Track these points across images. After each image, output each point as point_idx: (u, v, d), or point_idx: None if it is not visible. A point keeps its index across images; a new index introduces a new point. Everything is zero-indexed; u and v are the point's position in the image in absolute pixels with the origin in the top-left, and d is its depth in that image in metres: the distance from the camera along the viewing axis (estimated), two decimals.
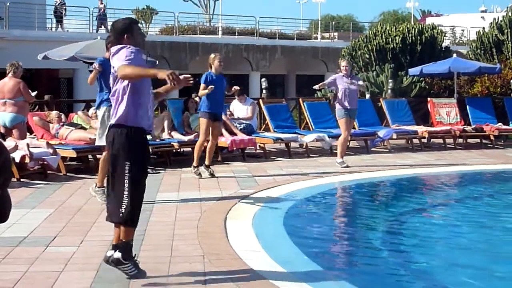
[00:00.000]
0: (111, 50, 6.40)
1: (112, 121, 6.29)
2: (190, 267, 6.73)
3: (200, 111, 12.66)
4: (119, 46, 6.28)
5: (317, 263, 7.06)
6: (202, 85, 12.40)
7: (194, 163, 12.61)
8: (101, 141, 9.86)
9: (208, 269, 6.55)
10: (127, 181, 6.19)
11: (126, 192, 6.19)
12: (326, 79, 15.62)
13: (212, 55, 12.77)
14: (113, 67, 6.23)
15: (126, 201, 6.19)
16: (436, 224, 10.13)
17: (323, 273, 6.76)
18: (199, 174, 12.49)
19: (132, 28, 6.47)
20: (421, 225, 9.92)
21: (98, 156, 13.69)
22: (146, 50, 28.61)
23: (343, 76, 14.32)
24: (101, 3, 37.03)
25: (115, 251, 6.27)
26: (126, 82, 6.18)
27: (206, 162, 12.68)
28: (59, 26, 36.15)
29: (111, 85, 6.38)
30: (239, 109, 16.65)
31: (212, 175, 12.57)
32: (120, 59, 6.12)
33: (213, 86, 12.09)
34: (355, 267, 7.62)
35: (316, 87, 14.58)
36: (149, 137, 14.21)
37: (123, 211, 6.20)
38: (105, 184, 9.79)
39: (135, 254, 6.44)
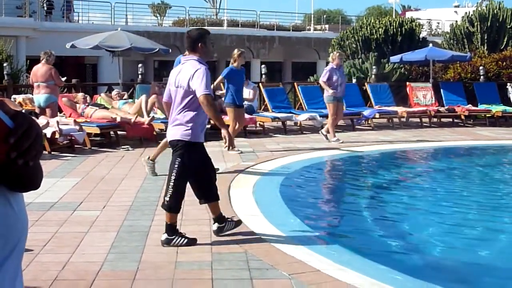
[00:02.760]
0: (191, 57, 6.37)
1: (183, 135, 6.25)
2: (198, 228, 6.77)
3: (225, 102, 12.51)
4: (198, 65, 6.25)
5: (308, 225, 7.08)
6: (221, 78, 12.24)
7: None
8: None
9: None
10: (174, 175, 6.23)
11: (172, 184, 6.24)
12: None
13: (237, 52, 12.41)
14: (192, 85, 6.19)
15: (170, 191, 6.24)
16: (414, 191, 10.15)
17: (313, 234, 6.78)
18: (238, 150, 12.25)
19: (205, 38, 6.44)
20: (401, 193, 9.95)
21: (118, 132, 13.75)
22: (160, 40, 28.49)
23: (335, 68, 14.21)
24: None
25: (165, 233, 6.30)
26: (197, 105, 6.20)
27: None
28: (48, 17, 33.84)
29: (179, 97, 6.30)
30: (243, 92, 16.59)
31: (239, 151, 12.41)
32: (202, 84, 6.12)
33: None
34: (341, 229, 7.66)
35: (330, 91, 14.14)
36: (162, 115, 14.32)
37: (167, 200, 6.25)
38: (156, 160, 10.04)
39: (230, 217, 6.56)
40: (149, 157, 10.18)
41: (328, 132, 14.32)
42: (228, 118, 12.27)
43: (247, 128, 15.59)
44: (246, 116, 15.40)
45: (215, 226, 6.50)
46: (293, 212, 7.68)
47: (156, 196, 8.44)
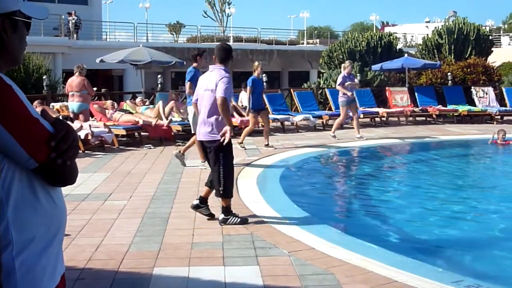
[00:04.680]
0: (218, 66, 6.44)
1: (218, 135, 6.29)
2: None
3: (248, 108, 12.40)
4: (226, 74, 6.36)
5: (305, 211, 7.07)
6: (249, 88, 12.20)
7: (240, 140, 12.40)
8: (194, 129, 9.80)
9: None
10: (222, 169, 6.27)
11: (222, 176, 6.28)
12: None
13: (256, 63, 12.47)
14: (214, 87, 6.27)
15: (222, 182, 6.28)
16: (396, 180, 10.14)
17: (309, 218, 6.76)
18: (243, 147, 12.28)
19: (232, 53, 6.58)
20: (385, 181, 9.95)
21: (142, 133, 13.74)
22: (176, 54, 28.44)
23: (346, 76, 14.19)
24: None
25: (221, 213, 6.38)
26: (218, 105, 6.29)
27: (266, 142, 12.51)
28: (75, 36, 33.21)
29: (209, 100, 6.35)
30: (246, 98, 16.55)
31: (272, 147, 12.39)
32: (225, 89, 6.22)
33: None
34: (333, 212, 7.65)
35: (349, 93, 14.06)
36: (179, 118, 14.31)
37: (222, 189, 6.29)
38: (185, 153, 10.20)
39: (235, 214, 6.47)
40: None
41: (334, 132, 14.25)
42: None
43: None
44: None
45: (221, 216, 6.47)
46: (291, 199, 7.67)
47: (174, 187, 8.44)
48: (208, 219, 6.50)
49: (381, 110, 18.21)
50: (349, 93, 13.93)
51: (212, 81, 6.37)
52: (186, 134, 14.59)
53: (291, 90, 19.09)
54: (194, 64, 10.15)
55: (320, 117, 17.06)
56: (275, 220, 6.50)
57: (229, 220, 6.30)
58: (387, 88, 19.91)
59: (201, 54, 10.11)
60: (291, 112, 17.75)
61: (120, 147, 12.89)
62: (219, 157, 6.30)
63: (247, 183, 8.68)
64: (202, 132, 6.43)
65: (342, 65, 14.89)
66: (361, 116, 17.54)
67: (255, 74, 12.29)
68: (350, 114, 16.73)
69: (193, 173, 9.65)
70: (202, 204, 6.58)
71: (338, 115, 17.39)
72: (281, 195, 7.98)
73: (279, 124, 16.38)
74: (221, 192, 6.35)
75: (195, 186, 8.50)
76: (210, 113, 6.35)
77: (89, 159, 11.30)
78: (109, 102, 14.94)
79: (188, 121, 14.53)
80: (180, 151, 10.29)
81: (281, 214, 6.78)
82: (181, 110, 14.86)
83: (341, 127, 14.90)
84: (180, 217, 6.62)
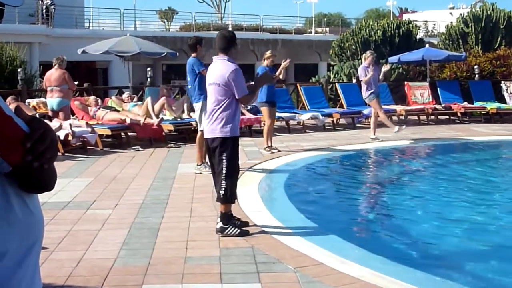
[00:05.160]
0: (222, 57, 6.52)
1: (223, 132, 6.37)
2: (206, 225, 6.78)
3: (259, 101, 12.35)
4: (233, 66, 6.42)
5: (311, 220, 7.08)
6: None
7: (264, 144, 12.33)
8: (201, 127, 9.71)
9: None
10: (225, 170, 6.36)
11: (224, 178, 6.37)
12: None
13: (268, 53, 12.41)
14: (220, 81, 6.37)
15: (224, 185, 6.37)
16: (414, 187, 10.13)
17: (317, 229, 6.77)
18: (275, 150, 12.22)
19: (235, 41, 6.61)
20: (401, 188, 9.93)
21: (129, 133, 13.76)
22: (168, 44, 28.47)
23: (367, 67, 14.19)
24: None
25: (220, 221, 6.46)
26: (231, 100, 6.40)
27: (269, 144, 12.38)
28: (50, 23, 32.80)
29: (215, 94, 6.45)
30: None
31: (276, 149, 12.36)
32: (241, 85, 6.40)
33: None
34: (344, 223, 7.64)
35: (366, 79, 14.08)
36: (171, 117, 14.35)
37: (222, 193, 6.38)
38: (205, 160, 9.70)
39: (237, 218, 6.56)
40: (197, 164, 10.08)
41: (374, 133, 14.24)
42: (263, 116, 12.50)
43: (252, 128, 15.59)
44: (251, 116, 15.42)
45: (219, 225, 6.49)
46: (297, 208, 7.68)
47: (166, 194, 8.46)
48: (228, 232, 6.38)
49: (399, 108, 18.23)
50: (371, 74, 13.92)
51: (216, 74, 6.46)
52: (178, 134, 14.63)
53: (298, 85, 19.12)
54: (194, 54, 10.13)
55: (330, 115, 17.07)
56: (279, 232, 6.51)
57: (228, 230, 6.31)
58: (405, 82, 19.92)
59: (201, 42, 10.08)
60: (297, 109, 17.77)
61: (105, 149, 12.91)
62: (222, 157, 6.37)
63: (247, 190, 8.68)
64: (207, 128, 6.54)
65: (363, 55, 14.91)
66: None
67: (265, 63, 12.24)
68: (364, 112, 16.76)
69: (186, 178, 9.66)
70: (226, 224, 6.46)
71: (351, 113, 17.52)
72: (286, 204, 7.99)
73: (283, 123, 16.40)
74: (221, 196, 6.41)
75: (189, 192, 8.51)
76: (214, 108, 6.42)
77: (69, 163, 11.32)
78: (92, 98, 14.96)
79: (182, 119, 14.65)
80: (196, 163, 10.11)
81: (285, 225, 6.79)
82: (174, 108, 14.89)
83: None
84: (172, 228, 6.64)
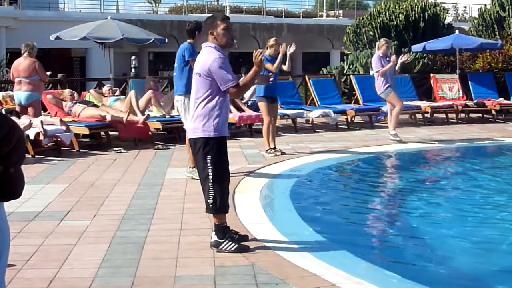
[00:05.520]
0: (207, 44, 6.49)
1: (206, 132, 6.33)
2: (199, 239, 6.77)
3: (257, 96, 12.48)
4: (216, 53, 6.37)
5: (322, 235, 7.08)
6: (269, 65, 12.11)
7: (266, 146, 12.34)
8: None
9: None
10: (211, 176, 6.32)
11: (210, 185, 6.35)
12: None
13: (272, 41, 12.53)
14: (201, 70, 6.34)
15: (212, 193, 6.35)
16: (440, 197, 10.11)
17: (328, 245, 6.77)
18: (279, 152, 12.28)
19: (217, 25, 6.49)
20: (425, 198, 9.91)
21: (110, 132, 13.76)
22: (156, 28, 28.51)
23: (382, 56, 14.17)
24: None
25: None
26: (216, 93, 6.35)
27: (272, 145, 12.39)
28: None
29: (197, 86, 6.42)
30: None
31: (280, 152, 12.39)
32: (227, 79, 6.30)
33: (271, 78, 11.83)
34: (359, 238, 7.63)
35: (383, 70, 14.14)
36: (159, 113, 14.35)
37: (211, 202, 6.36)
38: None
39: (235, 231, 6.55)
40: (189, 166, 10.14)
41: (394, 128, 14.28)
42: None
43: (253, 127, 15.60)
44: (252, 113, 15.43)
45: (213, 239, 6.47)
46: (305, 220, 7.67)
47: (152, 203, 8.46)
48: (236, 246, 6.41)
49: (423, 104, 18.23)
50: (388, 65, 13.92)
51: (199, 63, 6.47)
52: (167, 133, 14.64)
53: (306, 77, 19.12)
54: (190, 40, 10.21)
55: (343, 112, 17.07)
56: (284, 247, 6.51)
57: (224, 245, 6.30)
58: (432, 75, 19.93)
59: (200, 29, 10.12)
60: (306, 106, 17.78)
61: (82, 150, 12.91)
62: (207, 161, 6.33)
63: (247, 199, 8.69)
64: (188, 127, 6.52)
65: (377, 43, 14.88)
66: None
67: (267, 52, 12.26)
68: (384, 109, 16.76)
69: (176, 185, 9.67)
70: (222, 238, 6.46)
71: (368, 110, 17.52)
72: (292, 215, 7.99)
73: (289, 121, 16.40)
74: (210, 205, 6.39)
75: (179, 201, 8.51)
76: (196, 103, 6.41)
77: (40, 166, 11.32)
78: (67, 91, 14.97)
79: (172, 116, 14.64)
80: (189, 166, 10.18)
81: (291, 239, 6.79)
82: (162, 103, 14.89)
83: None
84: (159, 243, 6.64)
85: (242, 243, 6.45)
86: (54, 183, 9.95)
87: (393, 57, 14.42)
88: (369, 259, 6.39)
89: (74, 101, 14.54)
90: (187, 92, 9.53)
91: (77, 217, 7.82)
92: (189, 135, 6.56)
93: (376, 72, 14.16)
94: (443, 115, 18.49)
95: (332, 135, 15.38)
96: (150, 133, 13.98)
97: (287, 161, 11.72)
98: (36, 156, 12.08)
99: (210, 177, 6.32)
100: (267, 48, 12.38)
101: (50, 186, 9.71)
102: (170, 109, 14.98)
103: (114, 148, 13.09)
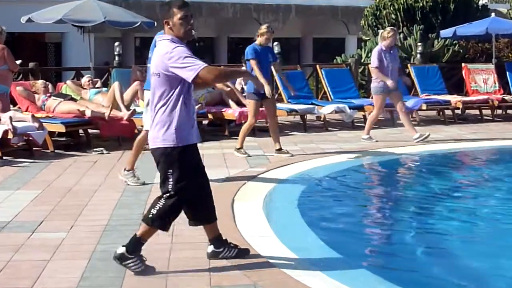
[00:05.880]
0: (162, 36, 6.37)
1: (166, 141, 6.22)
2: (193, 254, 6.78)
3: (247, 92, 12.52)
4: (171, 46, 6.20)
5: (335, 250, 7.06)
6: (253, 61, 12.20)
7: (238, 145, 12.55)
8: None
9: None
10: (171, 190, 6.26)
11: (165, 199, 6.30)
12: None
13: (265, 28, 12.55)
14: (156, 70, 6.23)
15: (159, 207, 6.29)
16: (472, 207, 10.08)
17: (342, 261, 6.77)
18: (246, 153, 12.46)
19: (173, 13, 6.33)
20: (453, 209, 9.89)
21: (90, 130, 13.76)
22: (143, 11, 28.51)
23: (385, 50, 14.14)
24: None
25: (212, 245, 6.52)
26: (179, 96, 6.21)
27: (277, 146, 12.56)
28: None
29: (155, 88, 6.29)
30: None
31: (287, 153, 12.54)
32: (192, 66, 6.07)
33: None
34: (377, 254, 7.64)
35: (389, 82, 14.15)
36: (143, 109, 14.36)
37: (154, 212, 6.29)
38: (135, 167, 10.23)
39: (234, 245, 6.61)
40: (125, 169, 10.26)
41: (368, 133, 14.35)
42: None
43: (256, 124, 15.60)
44: None
45: (210, 249, 6.53)
46: (315, 233, 7.68)
47: (138, 213, 8.46)
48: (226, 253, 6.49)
49: (453, 99, 18.23)
50: (388, 82, 13.89)
51: (154, 61, 6.30)
52: None
53: (317, 66, 19.13)
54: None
55: (360, 108, 17.08)
56: (291, 264, 6.51)
57: (130, 262, 6.20)
58: (463, 65, 19.92)
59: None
60: (317, 100, 17.78)
61: (57, 151, 12.93)
62: (168, 177, 6.24)
63: (248, 208, 8.70)
64: (152, 137, 6.38)
65: (380, 32, 14.77)
66: (423, 107, 17.56)
67: (258, 41, 12.36)
68: (408, 104, 16.76)
69: None
70: (219, 247, 6.56)
71: (389, 105, 17.48)
72: (300, 226, 8.00)
73: (298, 118, 16.41)
74: (151, 216, 6.26)
75: None
76: (155, 109, 6.27)
77: (8, 169, 11.33)
78: (40, 82, 14.98)
79: None
80: (125, 168, 10.37)
81: (299, 255, 6.79)
82: None
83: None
84: (147, 256, 6.65)
85: (233, 258, 6.48)
86: (24, 188, 9.95)
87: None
88: (391, 279, 6.39)
89: (48, 94, 14.55)
90: None
91: (52, 228, 7.82)
92: (150, 145, 6.41)
93: (373, 68, 14.13)
94: (477, 112, 18.49)
95: (347, 134, 15.39)
96: (136, 131, 13.97)
97: (295, 165, 11.73)
98: (4, 157, 12.09)
99: (168, 194, 6.23)
100: (258, 36, 12.43)
101: (20, 192, 9.71)
102: None
103: (95, 149, 13.10)
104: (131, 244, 6.29)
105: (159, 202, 6.28)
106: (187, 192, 6.30)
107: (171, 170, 6.23)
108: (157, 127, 6.23)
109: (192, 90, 6.29)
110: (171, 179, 6.23)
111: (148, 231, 6.33)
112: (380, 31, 14.96)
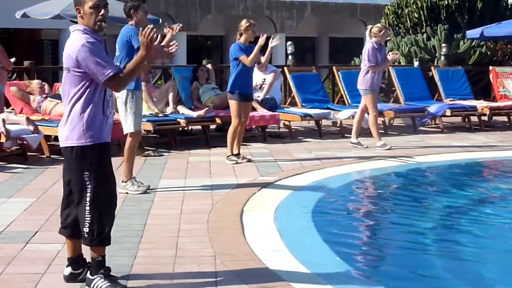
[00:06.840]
0: (75, 26, 6.30)
1: (81, 139, 6.14)
2: (198, 269, 6.77)
3: (228, 92, 12.58)
4: (83, 38, 6.14)
5: (351, 265, 7.06)
6: (243, 57, 12.23)
7: (228, 152, 12.57)
8: (128, 128, 10.56)
9: (220, 272, 6.57)
10: (89, 197, 6.13)
11: (88, 210, 6.15)
12: (365, 43, 15.50)
13: (246, 23, 12.56)
14: (67, 65, 6.15)
15: (88, 220, 6.14)
16: (501, 221, 10.07)
17: (359, 279, 6.76)
18: (236, 162, 12.49)
19: (84, 1, 6.33)
20: (478, 223, 9.87)
21: None
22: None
23: (376, 48, 14.24)
24: None
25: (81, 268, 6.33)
26: (99, 93, 6.16)
27: (235, 151, 12.65)
28: None
29: (67, 84, 6.20)
30: (260, 79, 16.49)
31: (248, 160, 12.64)
32: (102, 67, 6.02)
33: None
34: (396, 271, 7.62)
35: (379, 67, 14.33)
36: (148, 112, 14.36)
37: (87, 231, 6.14)
38: (134, 175, 10.32)
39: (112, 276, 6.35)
40: (122, 181, 10.26)
41: (356, 137, 14.43)
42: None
43: (267, 130, 15.60)
44: (266, 112, 15.42)
45: (67, 271, 6.38)
46: (330, 247, 7.67)
47: (140, 223, 8.46)
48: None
49: (480, 104, 18.21)
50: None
51: (65, 54, 6.20)
52: (160, 137, 14.66)
53: (334, 68, 19.12)
54: (131, 22, 10.50)
55: (380, 113, 17.04)
56: (304, 280, 6.50)
57: (94, 283, 6.12)
58: (491, 68, 19.90)
59: (138, 7, 10.46)
60: (333, 104, 17.78)
61: (53, 156, 12.93)
62: (84, 178, 6.13)
63: (259, 219, 8.69)
64: (62, 136, 6.32)
65: (370, 28, 14.81)
66: (448, 113, 17.51)
67: (243, 39, 12.46)
68: (431, 109, 16.75)
69: (170, 201, 9.68)
70: (78, 269, 6.40)
71: (411, 110, 17.50)
72: (314, 240, 7.99)
73: (312, 123, 16.40)
74: (87, 235, 6.14)
75: (174, 221, 8.51)
76: (68, 106, 6.20)
77: (1, 176, 11.35)
78: (35, 82, 14.99)
79: (166, 115, 14.66)
80: (122, 180, 10.35)
81: (314, 271, 6.78)
82: (154, 98, 14.91)
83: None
84: (148, 272, 6.64)
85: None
86: (18, 196, 9.96)
87: (392, 55, 14.54)
88: None
89: (44, 95, 14.56)
90: (134, 87, 10.13)
91: (46, 239, 7.82)
92: (60, 144, 6.33)
93: (372, 66, 14.16)
94: (505, 118, 18.45)
95: (365, 142, 15.36)
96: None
97: (309, 173, 11.71)
98: None
99: (88, 199, 6.10)
100: (240, 35, 12.42)
101: (14, 200, 9.72)
102: (164, 106, 15.00)
103: None
104: (96, 267, 6.18)
105: (85, 217, 6.10)
106: (109, 196, 6.26)
107: (87, 173, 6.11)
108: (69, 124, 6.17)
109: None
110: (88, 184, 6.12)
111: (99, 249, 6.21)
112: (369, 26, 15.00)
